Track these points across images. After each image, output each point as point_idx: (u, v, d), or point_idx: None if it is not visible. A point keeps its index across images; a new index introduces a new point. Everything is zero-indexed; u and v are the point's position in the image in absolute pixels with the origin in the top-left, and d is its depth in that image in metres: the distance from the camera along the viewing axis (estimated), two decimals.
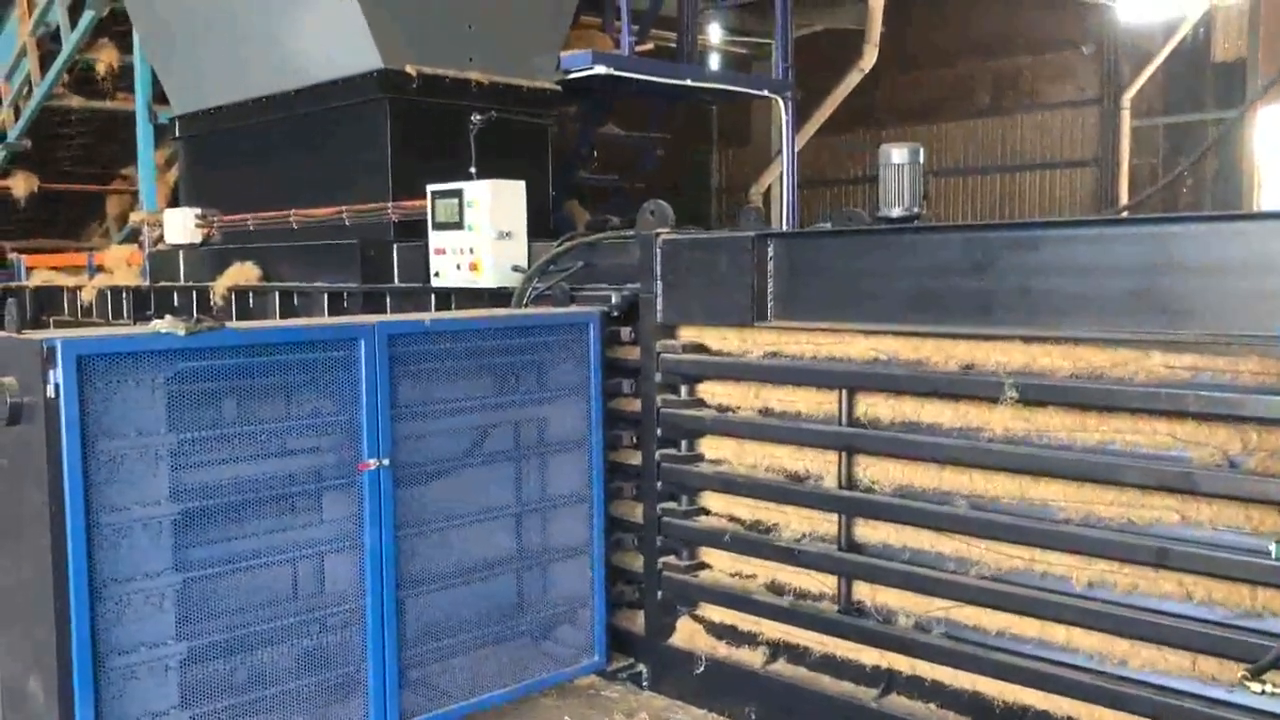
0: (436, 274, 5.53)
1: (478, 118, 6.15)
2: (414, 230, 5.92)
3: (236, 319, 6.68)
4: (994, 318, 3.66)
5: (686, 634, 4.61)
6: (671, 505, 4.62)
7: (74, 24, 9.24)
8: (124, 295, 8.11)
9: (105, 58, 9.69)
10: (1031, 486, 3.59)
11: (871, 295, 4.01)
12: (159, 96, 8.45)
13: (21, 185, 10.57)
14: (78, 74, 9.91)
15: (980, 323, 3.68)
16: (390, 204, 6.12)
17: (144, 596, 3.40)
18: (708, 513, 4.59)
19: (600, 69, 7.07)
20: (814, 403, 4.16)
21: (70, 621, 3.21)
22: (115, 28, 9.31)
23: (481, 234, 5.28)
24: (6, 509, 3.45)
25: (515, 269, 5.27)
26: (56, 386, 3.17)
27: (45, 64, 9.71)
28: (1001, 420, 3.63)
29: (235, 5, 6.83)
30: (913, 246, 3.94)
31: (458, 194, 5.39)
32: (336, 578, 3.90)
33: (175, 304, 7.37)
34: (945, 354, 3.76)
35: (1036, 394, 3.51)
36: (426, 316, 4.36)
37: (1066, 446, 3.49)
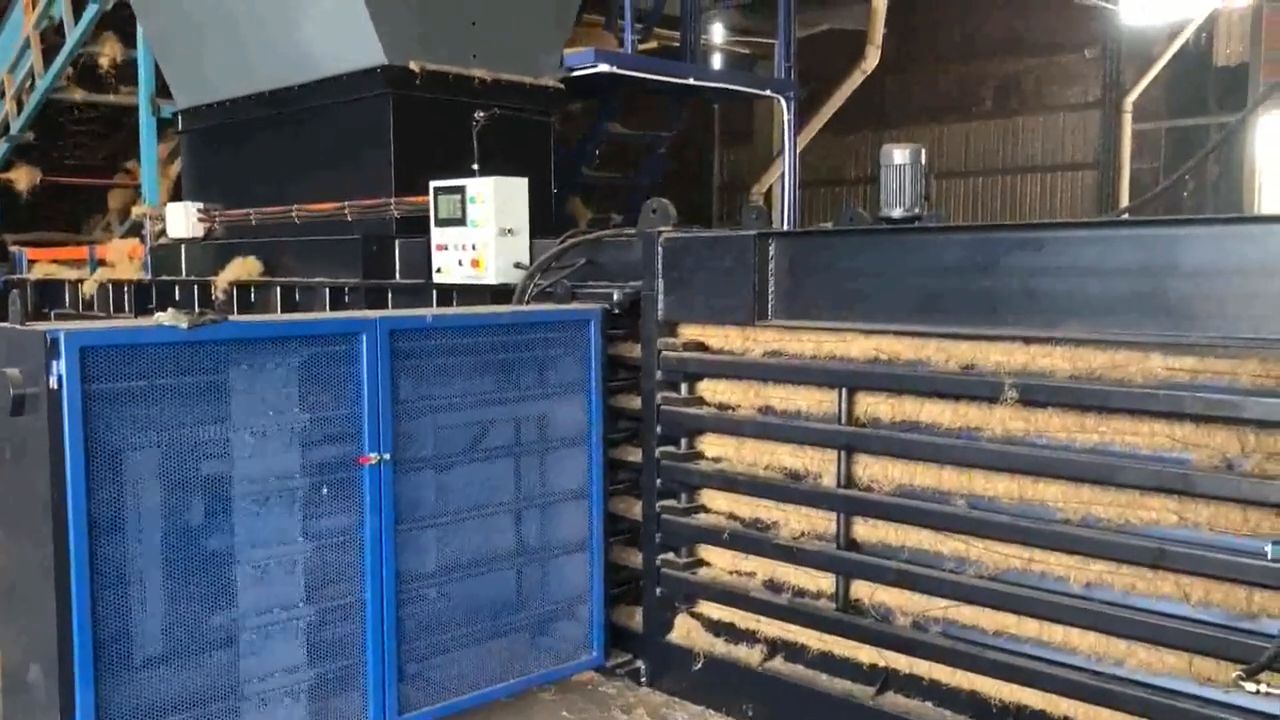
0: (439, 270, 5.54)
1: (481, 114, 6.17)
2: (416, 226, 5.93)
3: (238, 313, 6.70)
4: (995, 318, 3.67)
5: (685, 631, 4.62)
6: (671, 502, 4.63)
7: (77, 18, 9.25)
8: (125, 289, 8.12)
9: (108, 51, 9.69)
10: (1030, 487, 3.60)
11: (873, 295, 4.02)
12: (162, 90, 8.46)
13: (24, 178, 10.57)
14: (81, 67, 9.91)
15: (981, 323, 3.69)
16: (393, 199, 6.13)
17: (144, 586, 3.41)
18: (707, 510, 4.60)
19: (603, 67, 7.09)
20: (814, 401, 4.17)
21: (71, 609, 3.23)
22: (119, 21, 9.31)
23: (484, 230, 5.28)
24: (10, 498, 3.47)
25: (517, 266, 5.27)
26: (59, 378, 3.18)
27: (49, 57, 9.72)
28: (1001, 420, 3.64)
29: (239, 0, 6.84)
30: (914, 247, 3.95)
31: (460, 190, 5.40)
32: (336, 571, 3.90)
33: (177, 298, 7.38)
34: (946, 354, 3.77)
35: (1036, 394, 3.52)
36: (429, 312, 4.37)
37: (1066, 447, 3.50)
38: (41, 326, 3.34)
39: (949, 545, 3.81)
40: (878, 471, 3.99)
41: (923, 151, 4.48)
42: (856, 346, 4.02)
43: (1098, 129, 17.54)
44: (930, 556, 3.87)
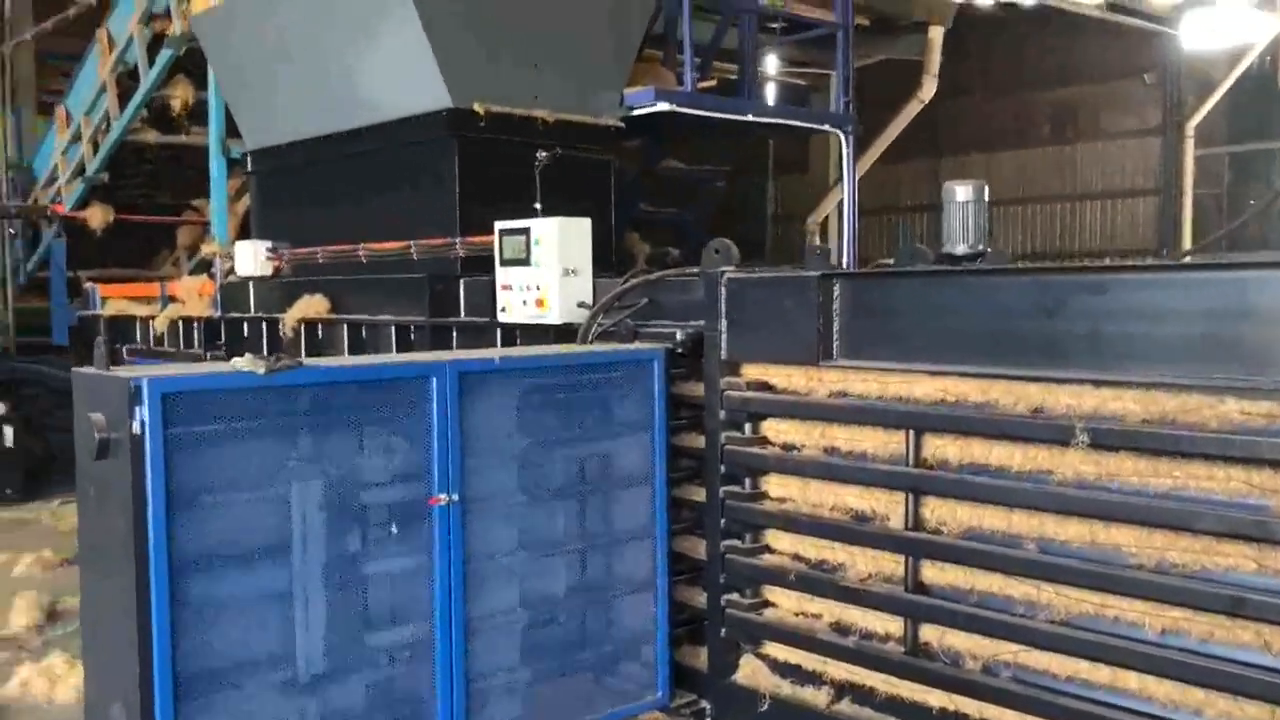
0: (503, 309, 5.61)
1: (543, 154, 6.26)
2: (480, 265, 6.02)
3: (306, 350, 6.83)
4: (1063, 361, 3.63)
5: (750, 672, 4.60)
6: (735, 543, 4.63)
7: (152, 62, 9.54)
8: (195, 325, 8.32)
9: (180, 94, 10.00)
10: (1102, 531, 3.56)
11: (938, 336, 4.00)
12: (231, 131, 8.69)
13: (98, 217, 10.89)
14: (154, 109, 10.21)
15: (1049, 365, 3.66)
16: (458, 239, 6.23)
17: (223, 625, 3.49)
18: (771, 551, 4.58)
19: (663, 106, 7.14)
20: (880, 442, 4.15)
21: (152, 648, 3.31)
22: (191, 66, 9.59)
23: (548, 271, 5.35)
24: (94, 538, 3.57)
25: (581, 305, 5.33)
26: (142, 423, 3.27)
27: (124, 100, 10.02)
28: (1072, 464, 3.60)
29: (308, 45, 7.01)
30: (980, 288, 3.93)
31: (525, 232, 5.47)
32: (406, 611, 3.95)
33: (245, 335, 7.54)
34: (1014, 396, 3.74)
35: (1107, 438, 3.48)
36: (496, 354, 4.43)
37: (1138, 492, 3.46)
38: (124, 373, 3.44)
39: (1019, 589, 3.77)
40: (946, 514, 3.96)
41: (985, 188, 4.47)
42: (923, 387, 4.00)
43: (1158, 155, 17.32)
44: (1000, 600, 3.83)
